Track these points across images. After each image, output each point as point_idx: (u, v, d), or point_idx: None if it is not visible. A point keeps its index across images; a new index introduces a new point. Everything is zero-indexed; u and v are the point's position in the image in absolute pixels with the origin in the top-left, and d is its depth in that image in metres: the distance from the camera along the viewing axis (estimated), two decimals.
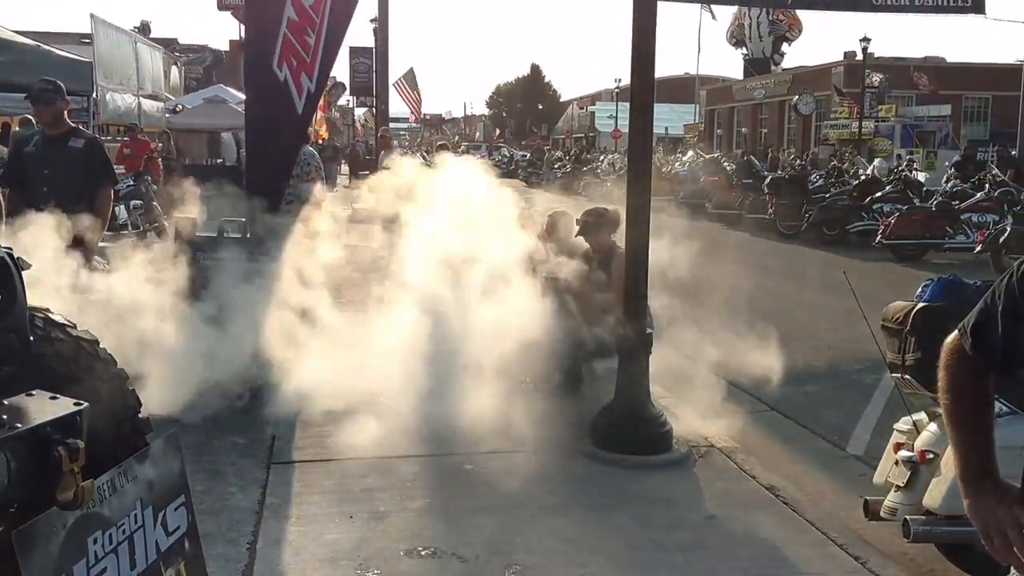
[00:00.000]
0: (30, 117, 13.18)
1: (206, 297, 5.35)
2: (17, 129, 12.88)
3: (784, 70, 48.72)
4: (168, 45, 32.94)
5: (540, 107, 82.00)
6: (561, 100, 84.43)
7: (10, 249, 2.90)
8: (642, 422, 5.42)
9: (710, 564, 4.10)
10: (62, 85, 6.20)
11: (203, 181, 7.55)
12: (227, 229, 6.13)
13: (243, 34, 22.10)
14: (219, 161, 23.35)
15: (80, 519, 2.82)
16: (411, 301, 5.86)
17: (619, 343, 5.61)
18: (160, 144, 20.05)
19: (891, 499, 4.09)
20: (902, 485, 4.05)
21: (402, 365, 5.68)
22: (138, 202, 13.06)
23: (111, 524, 2.99)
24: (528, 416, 5.93)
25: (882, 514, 4.10)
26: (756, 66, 50.41)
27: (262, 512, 4.49)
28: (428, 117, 71.08)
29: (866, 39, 35.33)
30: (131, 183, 13.50)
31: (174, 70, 29.00)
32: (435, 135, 72.97)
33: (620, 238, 6.16)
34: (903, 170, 20.87)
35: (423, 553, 4.09)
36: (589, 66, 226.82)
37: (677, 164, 30.40)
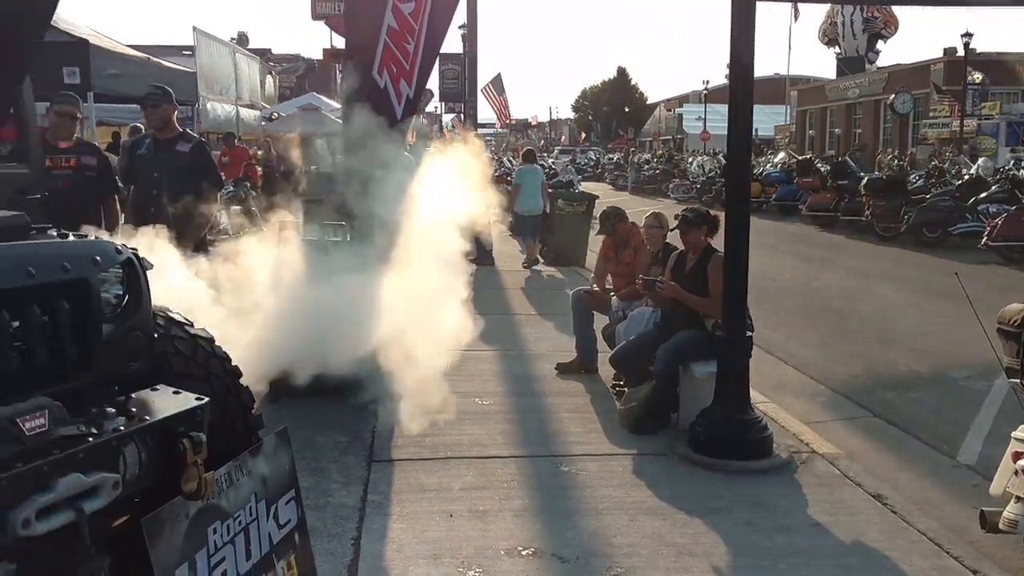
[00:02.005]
0: (140, 125, 13.80)
1: (310, 297, 5.48)
2: (126, 138, 13.47)
3: (879, 68, 47.26)
4: (263, 55, 33.93)
5: (627, 110, 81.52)
6: (648, 102, 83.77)
7: (135, 250, 3.03)
8: (742, 426, 5.33)
9: (817, 572, 4.00)
10: (170, 91, 6.47)
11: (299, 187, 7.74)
12: (329, 232, 6.28)
13: (333, 42, 22.61)
14: (314, 168, 23.92)
15: (201, 509, 2.92)
16: (508, 304, 5.89)
17: (718, 346, 5.54)
18: (260, 151, 20.66)
19: (1011, 511, 3.91)
20: (1023, 496, 3.88)
21: (498, 366, 5.71)
22: (237, 207, 13.50)
23: (228, 515, 3.09)
24: (624, 418, 5.91)
25: (1001, 526, 3.93)
26: (850, 65, 49.04)
27: (364, 509, 4.58)
28: (514, 122, 71.43)
29: (968, 34, 34.14)
30: (231, 189, 13.96)
31: (269, 79, 29.88)
32: (521, 140, 73.28)
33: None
34: (1011, 169, 20.02)
35: (524, 553, 4.10)
36: (676, 68, 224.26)
37: (768, 166, 29.78)
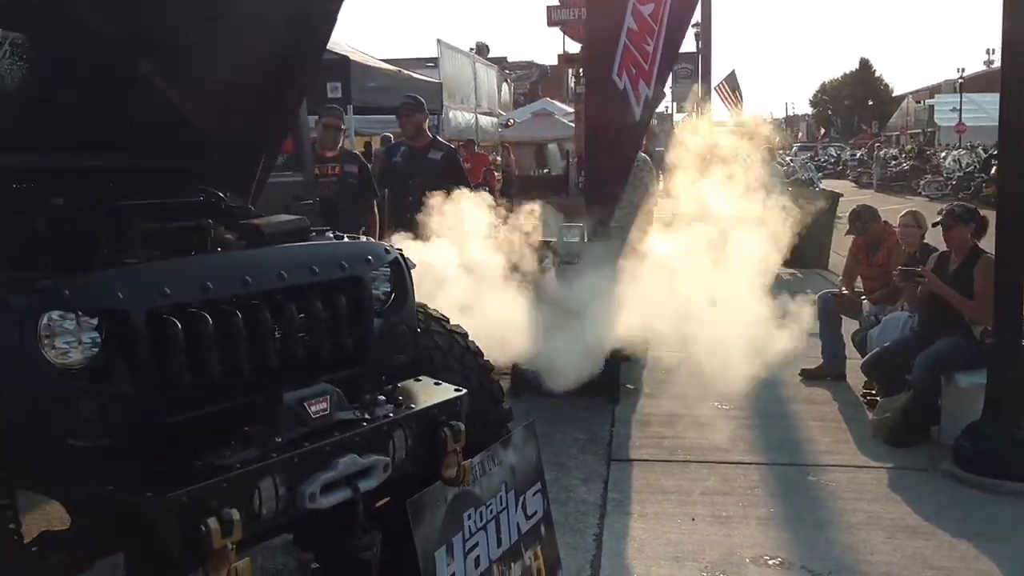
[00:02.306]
0: (390, 135, 14.73)
1: (557, 297, 5.61)
2: (378, 147, 14.42)
3: None
4: (499, 63, 35.11)
5: (870, 103, 76.76)
6: (893, 95, 78.41)
7: (400, 250, 3.24)
8: (1017, 444, 4.85)
9: None
10: (422, 100, 6.86)
11: (533, 191, 7.93)
12: (567, 234, 6.39)
13: (566, 48, 22.93)
14: (545, 171, 24.49)
15: (458, 495, 3.07)
16: (755, 308, 5.72)
17: (988, 355, 5.08)
18: (499, 157, 21.40)
19: None
20: None
21: (742, 369, 5.56)
22: None
23: (481, 502, 3.23)
24: (877, 429, 5.57)
25: None
26: None
27: (605, 506, 4.61)
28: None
29: None
30: None
31: (504, 87, 30.87)
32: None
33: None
34: None
35: (770, 563, 3.97)
36: (925, 57, 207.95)
37: None
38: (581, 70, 12.95)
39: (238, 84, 3.24)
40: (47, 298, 2.20)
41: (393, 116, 13.15)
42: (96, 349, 2.29)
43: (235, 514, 2.19)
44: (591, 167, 7.30)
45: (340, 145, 6.84)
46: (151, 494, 2.14)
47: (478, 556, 3.18)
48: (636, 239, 6.22)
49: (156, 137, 3.39)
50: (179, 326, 2.40)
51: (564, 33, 18.65)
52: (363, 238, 3.47)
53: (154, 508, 2.12)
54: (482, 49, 32.99)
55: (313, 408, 2.55)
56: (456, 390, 3.04)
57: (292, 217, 3.36)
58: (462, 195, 5.43)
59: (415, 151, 6.71)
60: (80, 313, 2.26)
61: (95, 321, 2.28)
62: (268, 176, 3.71)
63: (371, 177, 6.93)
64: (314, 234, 3.24)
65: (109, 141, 3.31)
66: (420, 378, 3.13)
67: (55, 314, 2.21)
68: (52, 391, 2.18)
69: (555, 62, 25.04)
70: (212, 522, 2.15)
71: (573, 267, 5.82)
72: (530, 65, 46.89)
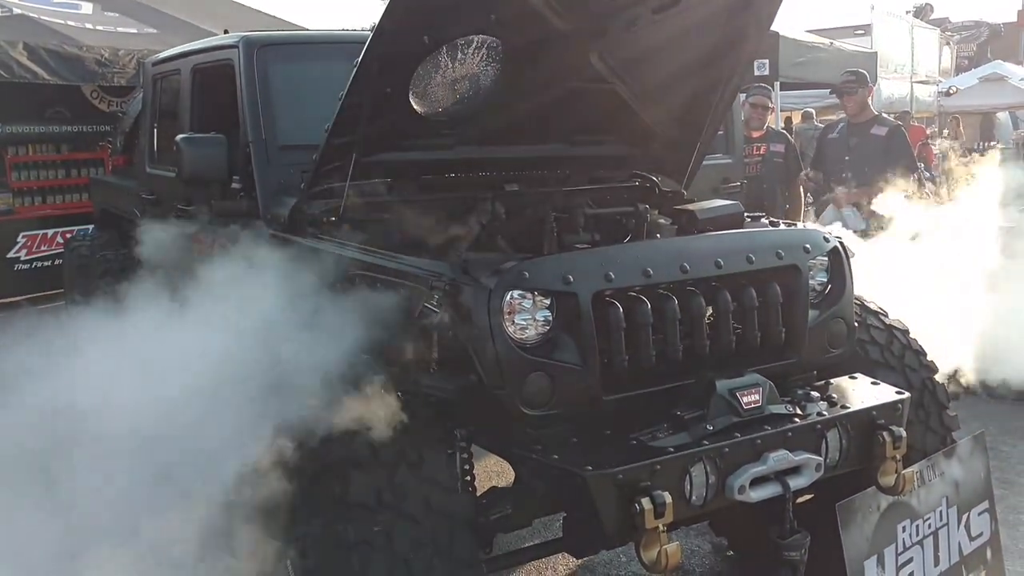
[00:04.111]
0: (811, 111, 14.07)
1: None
2: (799, 123, 13.84)
3: None
4: (940, 25, 31.75)
5: None
6: None
7: (840, 238, 3.07)
8: None
9: None
10: (865, 73, 6.43)
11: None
12: None
13: None
14: (993, 144, 21.76)
15: (892, 505, 2.87)
16: None
17: None
18: (947, 131, 19.48)
19: None
20: None
21: None
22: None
23: (918, 516, 2.98)
24: None
25: None
26: None
27: None
28: None
29: None
30: None
31: (946, 50, 27.85)
32: None
33: None
34: None
35: None
36: None
37: None
38: None
39: (680, 71, 3.29)
40: (511, 278, 2.43)
41: (818, 91, 12.58)
42: (547, 327, 2.48)
43: (667, 497, 2.25)
44: None
45: (766, 124, 6.68)
46: (591, 468, 2.28)
47: (912, 572, 2.96)
48: None
49: (599, 127, 3.58)
50: (620, 309, 2.51)
51: None
52: (800, 224, 3.34)
53: (594, 482, 2.25)
54: (923, 11, 30.08)
55: (745, 399, 2.53)
56: (898, 392, 2.82)
57: (726, 202, 3.35)
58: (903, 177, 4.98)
59: (854, 127, 6.31)
60: (536, 293, 2.46)
61: (548, 301, 2.48)
62: (702, 161, 3.73)
63: (797, 156, 6.68)
64: (748, 220, 3.19)
65: (555, 132, 3.56)
66: (855, 376, 2.95)
67: (516, 293, 2.44)
68: (510, 362, 2.41)
69: (1012, 19, 22.04)
70: (645, 502, 2.23)
71: None
72: (978, 24, 41.72)
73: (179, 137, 3.55)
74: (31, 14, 10.12)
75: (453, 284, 2.46)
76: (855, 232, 4.94)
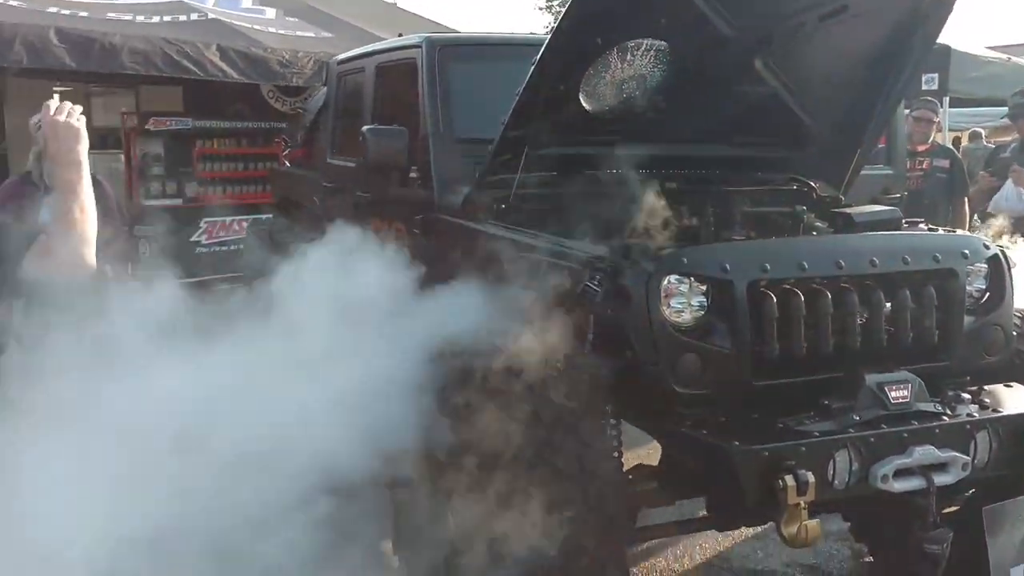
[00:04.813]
0: (979, 131, 13.40)
1: None
2: (966, 143, 13.23)
3: None
4: None
5: None
6: None
7: (1003, 247, 3.07)
8: None
9: None
10: None
11: None
12: None
13: None
14: None
15: None
16: None
17: None
18: None
19: None
20: None
21: None
22: None
23: None
24: None
25: None
26: None
27: None
28: None
29: None
30: None
31: None
32: None
33: None
34: None
35: None
36: None
37: None
38: None
39: (844, 79, 3.37)
40: (670, 263, 2.60)
41: (991, 108, 11.98)
42: (702, 312, 2.64)
43: (810, 476, 2.36)
44: None
45: (931, 139, 6.52)
46: (738, 443, 2.42)
47: None
48: None
49: (760, 129, 3.69)
50: (774, 299, 2.63)
51: None
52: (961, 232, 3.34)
53: (740, 456, 2.39)
54: None
55: (893, 393, 2.60)
56: None
57: (884, 208, 3.39)
58: None
59: None
60: (693, 279, 2.62)
61: (704, 287, 2.63)
62: (861, 168, 3.77)
63: (963, 173, 6.48)
64: (906, 225, 3.23)
65: (716, 132, 3.70)
66: (1012, 384, 2.95)
67: (673, 278, 2.60)
68: (665, 342, 2.57)
69: None
70: (789, 479, 2.35)
71: None
72: None
73: (365, 128, 3.89)
74: (223, 18, 11.01)
75: (615, 266, 2.65)
76: None
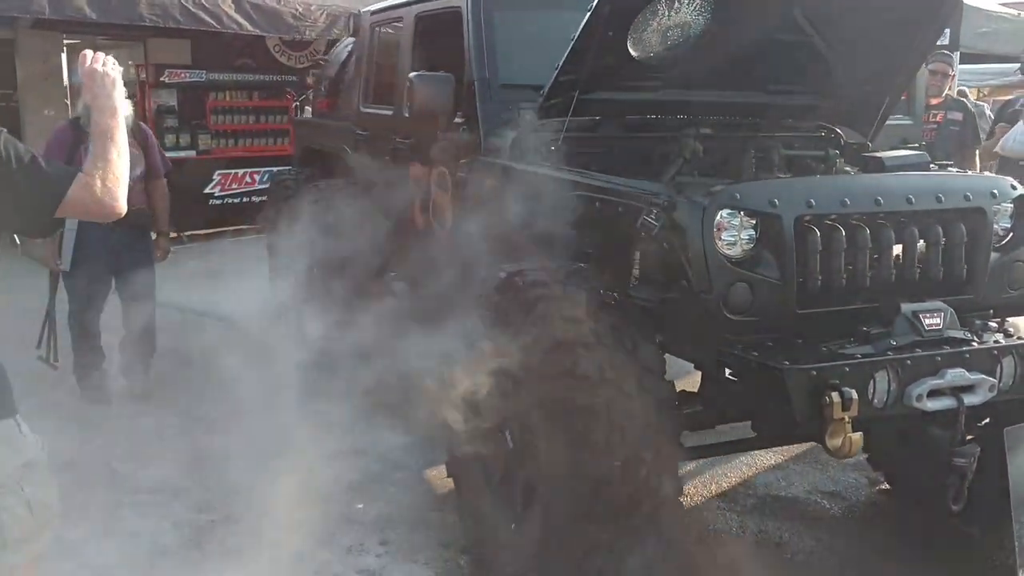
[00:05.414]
0: (965, 90, 13.52)
1: None
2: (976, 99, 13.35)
3: None
4: None
5: None
6: None
7: None
8: None
9: None
10: None
11: None
12: None
13: None
14: None
15: None
16: None
17: None
18: None
19: None
20: None
21: None
22: None
23: None
24: None
25: None
26: None
27: None
28: None
29: None
30: None
31: None
32: None
33: None
34: None
35: None
36: None
37: None
38: None
39: (876, 31, 3.52)
40: (723, 198, 2.78)
41: (999, 65, 12.10)
42: (751, 244, 2.83)
43: (854, 393, 2.57)
44: None
45: (944, 92, 6.69)
46: (788, 363, 2.62)
47: None
48: None
49: (794, 77, 3.85)
50: (818, 233, 2.82)
51: None
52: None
53: (791, 375, 2.60)
54: None
55: (927, 321, 2.80)
56: None
57: (912, 151, 3.57)
58: None
59: None
60: (744, 213, 2.80)
61: (754, 221, 2.81)
62: (887, 117, 3.94)
63: (976, 126, 6.67)
64: (935, 167, 3.42)
65: (752, 80, 3.85)
66: None
67: (726, 212, 2.79)
68: (718, 271, 2.77)
69: None
70: (834, 396, 2.56)
71: None
72: None
73: (413, 75, 4.03)
74: None
75: (671, 202, 2.83)
76: None
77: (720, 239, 2.79)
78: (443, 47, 4.45)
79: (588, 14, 3.14)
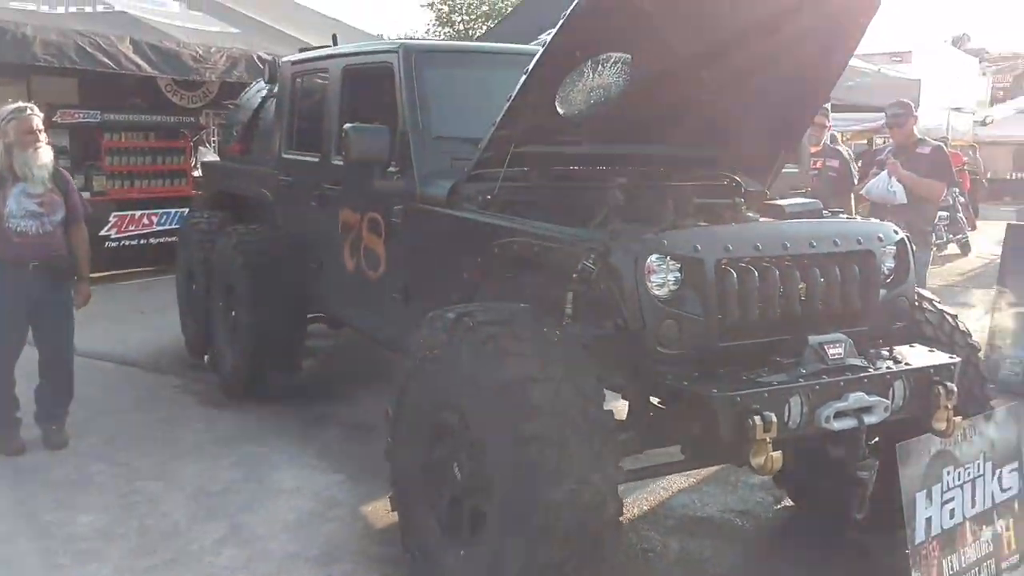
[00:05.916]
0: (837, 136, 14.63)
1: None
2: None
3: None
4: (978, 55, 32.13)
5: None
6: None
7: (906, 233, 3.72)
8: None
9: None
10: (911, 104, 7.03)
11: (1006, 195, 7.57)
12: None
13: None
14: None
15: (940, 451, 3.49)
16: None
17: None
18: (967, 158, 20.00)
19: None
20: None
21: None
22: (944, 213, 13.44)
23: (960, 464, 3.60)
24: None
25: None
26: None
27: None
28: None
29: None
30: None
31: (982, 80, 28.26)
32: None
33: None
34: None
35: None
36: None
37: None
38: None
39: (776, 87, 3.94)
40: (653, 244, 3.10)
41: (863, 114, 13.21)
42: (677, 286, 3.14)
43: (773, 416, 2.90)
44: None
45: (823, 141, 7.32)
46: (716, 391, 2.94)
47: (953, 509, 3.55)
48: None
49: (699, 131, 4.24)
50: (735, 275, 3.17)
51: None
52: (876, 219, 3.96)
53: (718, 401, 2.91)
54: (960, 40, 30.51)
55: (831, 351, 3.18)
56: (950, 356, 3.45)
57: (807, 200, 4.00)
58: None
59: (899, 148, 6.91)
60: (670, 258, 3.12)
61: (679, 264, 3.14)
62: (783, 166, 4.38)
63: (851, 172, 7.30)
64: (828, 214, 3.85)
65: (663, 133, 4.22)
66: (914, 345, 3.59)
67: (655, 257, 3.10)
68: (650, 310, 3.07)
69: None
70: (756, 419, 2.88)
71: None
72: (1015, 56, 42.01)
73: (347, 126, 4.23)
74: (130, 10, 10.91)
75: (606, 248, 3.13)
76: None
77: (650, 281, 3.09)
78: (373, 99, 4.67)
79: (524, 76, 3.43)
